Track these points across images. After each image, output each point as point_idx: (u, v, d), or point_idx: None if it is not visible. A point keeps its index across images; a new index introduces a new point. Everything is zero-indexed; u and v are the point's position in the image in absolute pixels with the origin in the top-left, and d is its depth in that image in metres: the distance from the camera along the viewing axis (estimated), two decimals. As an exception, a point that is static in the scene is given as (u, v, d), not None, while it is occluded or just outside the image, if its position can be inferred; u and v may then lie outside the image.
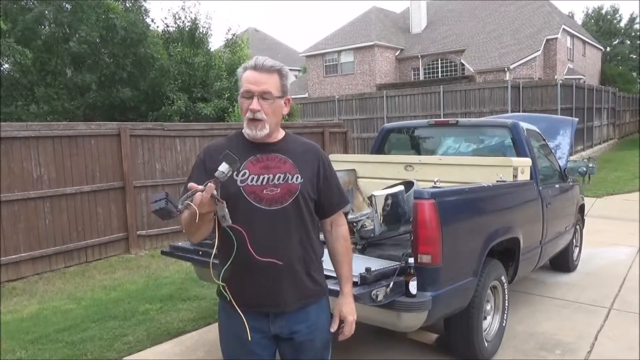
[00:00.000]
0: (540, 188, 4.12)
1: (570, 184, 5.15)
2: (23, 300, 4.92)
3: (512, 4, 27.20)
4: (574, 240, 5.43)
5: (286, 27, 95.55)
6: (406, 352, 3.57)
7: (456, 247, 2.94)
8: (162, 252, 3.82)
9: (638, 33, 41.53)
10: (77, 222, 6.08)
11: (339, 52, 28.06)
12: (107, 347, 3.74)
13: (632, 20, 42.66)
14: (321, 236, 1.94)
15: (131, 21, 12.37)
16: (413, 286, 2.61)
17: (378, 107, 17.65)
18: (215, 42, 44.31)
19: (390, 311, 2.62)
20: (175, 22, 14.19)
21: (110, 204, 6.43)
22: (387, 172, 4.43)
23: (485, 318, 3.40)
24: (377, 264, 2.78)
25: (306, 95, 27.58)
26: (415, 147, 5.07)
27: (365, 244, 3.39)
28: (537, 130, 4.73)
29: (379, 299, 2.49)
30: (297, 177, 1.79)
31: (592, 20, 42.89)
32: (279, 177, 1.77)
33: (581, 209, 5.65)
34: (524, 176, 3.92)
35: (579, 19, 43.06)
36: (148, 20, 13.96)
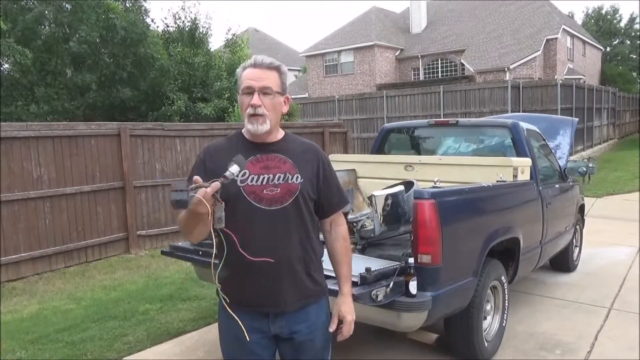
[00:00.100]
0: (540, 188, 4.12)
1: (570, 184, 5.15)
2: (23, 300, 4.92)
3: (512, 4, 27.20)
4: (574, 240, 5.43)
5: (286, 27, 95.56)
6: (406, 352, 3.57)
7: (456, 247, 2.94)
8: (162, 252, 3.82)
9: (638, 33, 41.53)
10: (77, 222, 6.08)
11: (339, 52, 28.05)
12: (107, 347, 3.74)
13: (632, 20, 42.67)
14: (321, 236, 1.94)
15: (131, 21, 12.38)
16: (413, 286, 2.62)
17: (378, 107, 17.64)
18: (215, 42, 44.33)
19: (390, 311, 2.62)
20: (175, 22, 14.22)
21: (110, 204, 6.44)
22: (387, 172, 4.43)
23: (485, 318, 3.40)
24: (377, 264, 2.78)
25: (306, 95, 27.57)
26: (415, 147, 5.07)
27: (365, 244, 3.39)
28: (537, 130, 4.73)
29: (379, 299, 2.49)
30: (297, 177, 1.79)
31: (592, 20, 42.88)
32: (279, 177, 1.77)
33: (581, 209, 5.65)
34: (524, 176, 3.92)
35: (579, 19, 43.11)
36: (148, 20, 14.01)
